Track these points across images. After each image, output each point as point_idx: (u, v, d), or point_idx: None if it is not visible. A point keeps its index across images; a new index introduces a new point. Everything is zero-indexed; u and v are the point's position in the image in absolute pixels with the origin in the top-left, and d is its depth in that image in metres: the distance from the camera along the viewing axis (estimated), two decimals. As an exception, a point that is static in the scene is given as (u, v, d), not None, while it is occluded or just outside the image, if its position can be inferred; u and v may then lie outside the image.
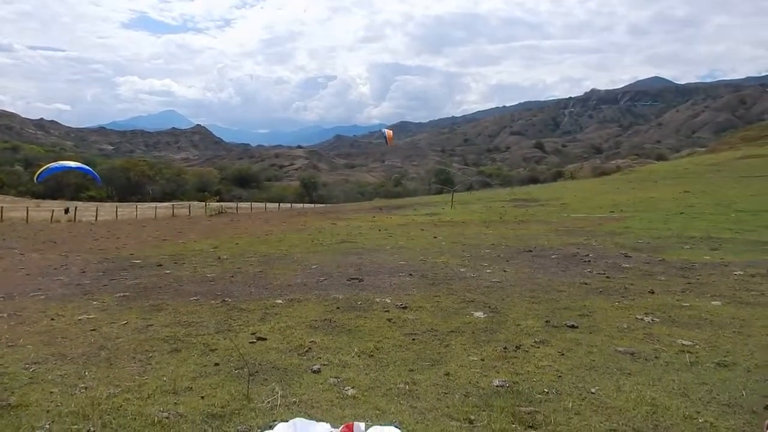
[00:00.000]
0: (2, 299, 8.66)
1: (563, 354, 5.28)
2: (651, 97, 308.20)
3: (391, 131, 34.73)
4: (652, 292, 8.07)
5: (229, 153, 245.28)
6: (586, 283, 8.94)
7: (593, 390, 4.34)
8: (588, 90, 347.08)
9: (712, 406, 4.00)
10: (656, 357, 5.13)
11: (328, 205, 66.65)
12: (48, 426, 3.82)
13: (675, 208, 23.90)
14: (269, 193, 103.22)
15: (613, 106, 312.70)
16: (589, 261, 11.41)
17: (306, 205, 70.49)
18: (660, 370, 4.79)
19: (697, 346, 5.42)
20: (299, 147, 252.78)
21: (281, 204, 72.13)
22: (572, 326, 6.24)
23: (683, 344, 5.48)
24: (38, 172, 21.32)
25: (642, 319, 6.50)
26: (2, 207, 41.83)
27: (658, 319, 6.50)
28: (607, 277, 9.52)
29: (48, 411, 4.07)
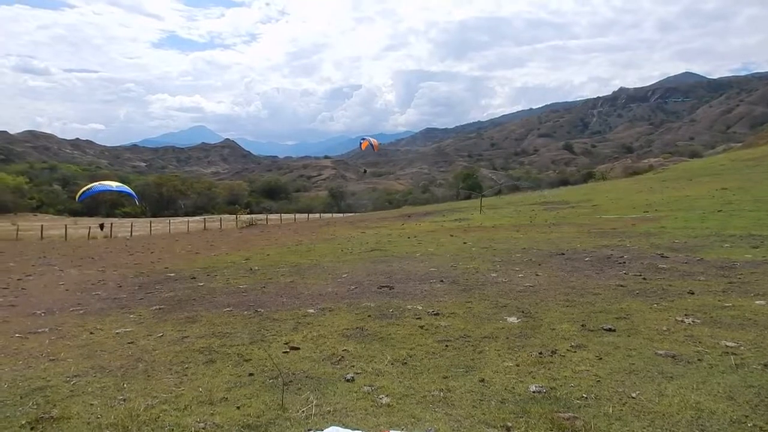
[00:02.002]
0: (43, 314, 8.92)
1: (601, 358, 5.15)
2: (682, 94, 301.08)
3: (375, 141, 34.09)
4: (692, 293, 7.83)
5: (258, 165, 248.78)
6: (621, 285, 8.74)
7: (634, 394, 4.21)
8: (616, 89, 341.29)
9: (760, 410, 3.84)
10: (699, 359, 4.97)
11: (356, 213, 66.88)
12: (89, 438, 3.89)
13: (712, 206, 23.23)
14: (298, 204, 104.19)
15: (643, 104, 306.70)
16: (624, 263, 11.16)
17: (334, 215, 70.89)
18: (704, 372, 4.63)
19: (742, 348, 5.23)
20: (326, 157, 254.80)
21: (310, 214, 72.70)
22: (609, 329, 6.10)
23: (727, 346, 5.30)
24: (80, 192, 21.95)
25: (682, 321, 6.31)
26: (42, 225, 43.18)
27: (699, 321, 6.30)
28: (644, 278, 9.29)
29: (89, 423, 4.15)
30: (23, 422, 4.19)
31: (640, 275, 9.56)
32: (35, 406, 4.54)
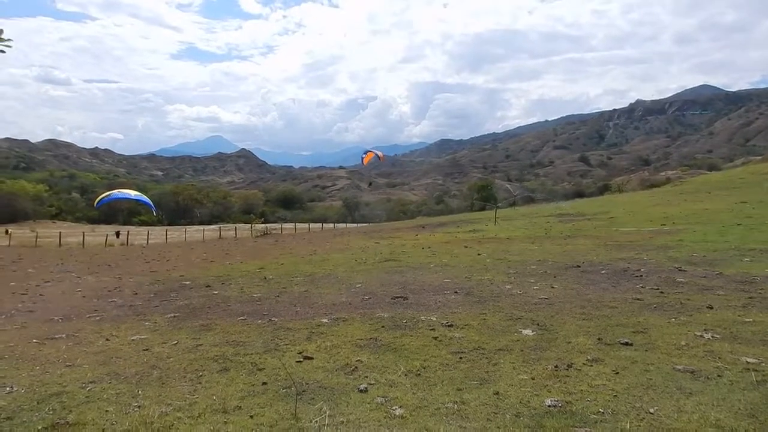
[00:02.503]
0: (61, 320, 9.02)
1: (618, 372, 5.08)
2: (700, 106, 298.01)
3: (380, 153, 33.67)
4: (711, 308, 7.70)
5: (273, 175, 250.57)
6: (639, 299, 8.63)
7: (652, 410, 4.14)
8: (633, 101, 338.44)
9: (783, 428, 3.76)
10: (719, 375, 4.87)
11: (370, 224, 66.92)
12: (104, 444, 3.92)
13: (731, 219, 22.87)
14: (312, 214, 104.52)
15: (660, 116, 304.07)
16: (641, 276, 11.02)
17: (349, 225, 71.01)
18: (724, 389, 4.54)
19: (763, 364, 5.12)
20: (341, 167, 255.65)
21: (324, 224, 72.92)
22: (626, 343, 6.01)
23: (748, 362, 5.19)
24: (99, 198, 22.33)
25: (701, 336, 6.20)
26: (60, 232, 43.78)
27: (718, 336, 6.19)
28: (661, 292, 9.16)
29: (104, 429, 4.18)
30: (40, 427, 4.23)
31: (658, 289, 9.43)
32: (51, 412, 4.58)
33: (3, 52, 2.60)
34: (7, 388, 5.27)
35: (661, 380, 4.82)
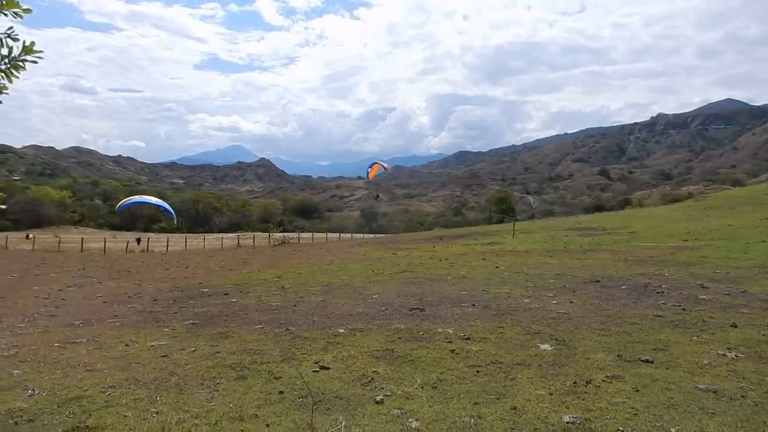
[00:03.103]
0: (82, 325, 9.16)
1: (638, 390, 5.00)
2: (724, 120, 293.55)
3: (386, 164, 33.56)
4: (735, 326, 7.54)
5: (292, 185, 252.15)
6: (660, 316, 8.49)
7: (673, 430, 4.07)
8: (655, 114, 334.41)
9: (810, 452, 3.66)
10: (743, 396, 4.77)
11: (387, 235, 66.91)
12: (122, 449, 3.96)
13: (756, 236, 22.43)
14: (330, 224, 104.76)
15: (682, 130, 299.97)
16: (663, 292, 10.84)
17: (366, 235, 71.10)
18: (748, 410, 4.44)
19: (789, 385, 5.00)
20: (359, 178, 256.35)
21: (342, 234, 73.08)
22: (647, 361, 5.92)
23: (773, 383, 5.08)
24: (121, 202, 22.76)
25: (724, 355, 6.08)
26: (83, 238, 44.50)
27: (742, 355, 6.06)
28: (683, 309, 9.00)
29: (122, 434, 4.22)
30: (60, 431, 4.29)
31: (679, 306, 9.27)
32: (72, 415, 4.65)
33: (35, 62, 2.67)
34: (29, 391, 5.36)
35: (682, 399, 4.73)
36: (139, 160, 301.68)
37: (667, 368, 5.67)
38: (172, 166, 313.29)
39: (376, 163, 31.94)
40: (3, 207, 2.79)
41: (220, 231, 79.61)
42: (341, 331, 8.04)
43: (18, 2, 2.52)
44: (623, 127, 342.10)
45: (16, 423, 4.48)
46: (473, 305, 9.95)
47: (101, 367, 6.27)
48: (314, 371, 5.90)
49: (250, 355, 6.71)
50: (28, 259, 27.11)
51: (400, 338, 7.41)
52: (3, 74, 2.64)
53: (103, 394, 5.23)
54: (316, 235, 64.54)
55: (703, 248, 19.57)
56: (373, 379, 5.58)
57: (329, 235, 65.85)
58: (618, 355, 6.20)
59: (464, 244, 29.60)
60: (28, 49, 2.64)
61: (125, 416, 4.62)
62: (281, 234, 54.16)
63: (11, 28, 2.55)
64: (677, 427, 4.11)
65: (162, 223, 76.63)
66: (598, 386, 5.16)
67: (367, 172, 32.90)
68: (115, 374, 5.96)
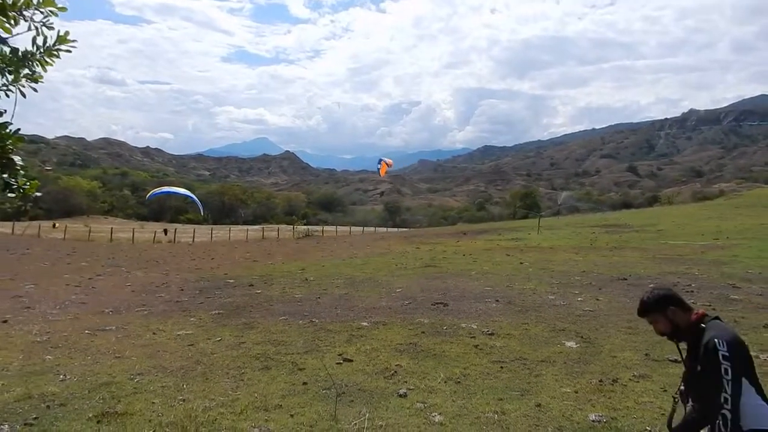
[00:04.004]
0: (111, 313, 9.35)
1: (666, 390, 4.90)
2: (759, 117, 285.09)
3: (390, 162, 34.48)
4: (768, 327, 7.36)
5: (316, 178, 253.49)
6: (689, 315, 8.30)
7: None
8: (686, 110, 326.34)
9: None
10: (776, 399, 4.64)
11: (411, 229, 66.84)
12: (150, 435, 4.03)
13: (790, 235, 21.82)
14: (354, 217, 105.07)
15: (714, 126, 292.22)
16: (692, 291, 10.61)
17: (389, 229, 71.15)
18: (781, 413, 4.32)
19: (825, 389, 4.85)
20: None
21: (365, 228, 73.24)
22: (676, 360, 5.79)
23: (808, 386, 4.92)
24: (151, 192, 23.19)
25: (757, 356, 5.91)
26: (112, 228, 45.41)
27: (776, 357, 5.90)
28: (714, 309, 8.79)
29: (150, 420, 4.30)
30: (90, 415, 4.39)
31: (710, 305, 9.06)
32: (101, 401, 4.75)
33: (69, 51, 2.71)
34: (61, 376, 5.49)
35: (712, 400, 4.62)
36: (167, 151, 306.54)
37: (697, 369, 5.55)
38: (198, 157, 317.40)
39: (382, 160, 32.80)
40: (38, 194, 2.85)
41: (245, 223, 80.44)
42: (364, 324, 8.06)
43: (54, 0, 2.56)
44: (653, 122, 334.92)
45: (48, 407, 4.60)
46: (497, 301, 9.88)
47: (130, 355, 6.40)
48: (338, 363, 5.93)
49: (275, 345, 6.77)
50: (60, 248, 27.79)
51: (423, 332, 7.40)
52: (38, 63, 2.69)
53: (132, 381, 5.34)
54: (340, 228, 64.80)
55: (734, 247, 19.10)
56: (396, 372, 5.58)
57: (352, 228, 66.07)
58: (646, 354, 6.09)
59: (488, 240, 29.41)
60: (62, 39, 2.68)
61: (153, 403, 4.70)
62: (305, 227, 54.52)
63: (47, 17, 2.59)
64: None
65: (188, 215, 77.81)
66: (625, 385, 5.08)
67: (378, 169, 33.78)
68: (143, 362, 6.07)
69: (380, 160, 33.07)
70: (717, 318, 2.50)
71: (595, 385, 5.08)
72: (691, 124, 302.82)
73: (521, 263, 16.53)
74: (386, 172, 33.53)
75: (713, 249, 18.95)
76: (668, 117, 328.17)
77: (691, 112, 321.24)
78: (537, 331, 7.40)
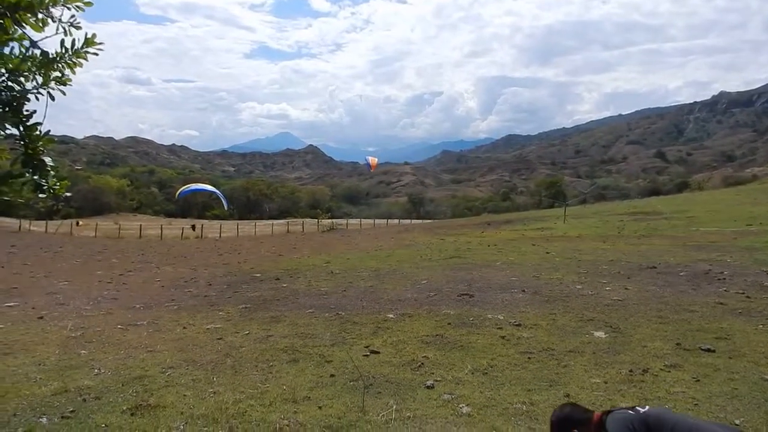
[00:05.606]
0: (142, 308, 9.55)
1: (699, 380, 4.82)
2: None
3: (375, 159, 37.07)
4: (804, 315, 7.16)
5: (340, 171, 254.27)
6: (722, 303, 8.14)
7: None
8: (716, 93, 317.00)
9: None
10: (814, 388, 4.53)
11: (435, 220, 66.67)
12: (182, 427, 4.12)
13: (827, 220, 21.16)
14: (378, 210, 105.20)
15: (746, 109, 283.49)
16: (724, 279, 10.38)
17: (413, 221, 71.11)
18: (819, 403, 4.21)
19: None
20: (406, 163, 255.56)
21: (389, 220, 73.30)
22: (708, 350, 5.69)
23: None
24: (180, 189, 23.63)
25: (793, 344, 5.78)
26: (141, 225, 46.30)
27: (813, 345, 5.74)
28: (747, 296, 8.60)
29: (182, 413, 4.39)
30: (124, 408, 4.50)
31: (743, 293, 8.86)
32: (135, 394, 4.86)
33: (96, 54, 2.75)
34: (95, 370, 5.64)
35: (747, 390, 4.53)
36: (193, 148, 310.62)
37: (730, 358, 5.45)
38: (223, 154, 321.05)
39: (371, 157, 35.16)
40: (68, 195, 2.91)
41: (270, 217, 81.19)
42: (390, 316, 8.09)
43: (80, -5, 2.60)
44: (682, 106, 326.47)
45: (84, 400, 4.73)
46: (523, 291, 9.81)
47: (161, 349, 6.53)
48: (365, 355, 5.97)
49: (302, 338, 6.84)
50: (91, 246, 28.45)
51: (449, 324, 7.39)
52: (66, 65, 2.74)
53: (164, 374, 5.45)
54: (364, 221, 64.97)
55: (768, 233, 18.60)
56: (423, 364, 5.59)
57: (377, 221, 66.17)
58: (677, 344, 5.99)
59: (513, 230, 29.18)
60: (89, 42, 2.72)
61: (185, 395, 4.80)
62: (329, 220, 54.79)
63: (73, 16, 2.63)
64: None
65: (215, 210, 78.85)
66: (656, 375, 5.01)
67: (369, 166, 36.20)
68: (174, 355, 6.19)
69: (366, 158, 35.56)
70: (611, 411, 2.84)
71: (625, 376, 5.02)
72: (722, 107, 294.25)
73: (547, 253, 16.37)
74: (376, 167, 36.50)
75: (746, 235, 18.49)
76: (697, 100, 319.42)
77: (722, 94, 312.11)
78: (564, 321, 7.33)
